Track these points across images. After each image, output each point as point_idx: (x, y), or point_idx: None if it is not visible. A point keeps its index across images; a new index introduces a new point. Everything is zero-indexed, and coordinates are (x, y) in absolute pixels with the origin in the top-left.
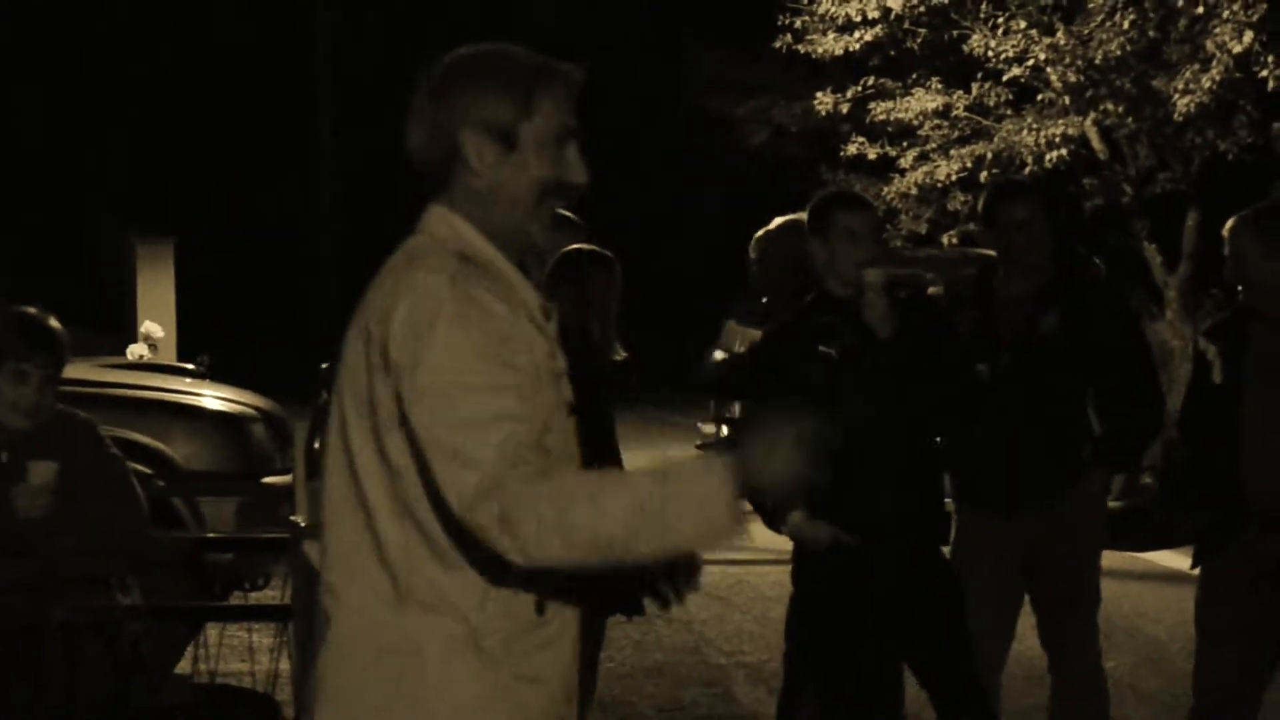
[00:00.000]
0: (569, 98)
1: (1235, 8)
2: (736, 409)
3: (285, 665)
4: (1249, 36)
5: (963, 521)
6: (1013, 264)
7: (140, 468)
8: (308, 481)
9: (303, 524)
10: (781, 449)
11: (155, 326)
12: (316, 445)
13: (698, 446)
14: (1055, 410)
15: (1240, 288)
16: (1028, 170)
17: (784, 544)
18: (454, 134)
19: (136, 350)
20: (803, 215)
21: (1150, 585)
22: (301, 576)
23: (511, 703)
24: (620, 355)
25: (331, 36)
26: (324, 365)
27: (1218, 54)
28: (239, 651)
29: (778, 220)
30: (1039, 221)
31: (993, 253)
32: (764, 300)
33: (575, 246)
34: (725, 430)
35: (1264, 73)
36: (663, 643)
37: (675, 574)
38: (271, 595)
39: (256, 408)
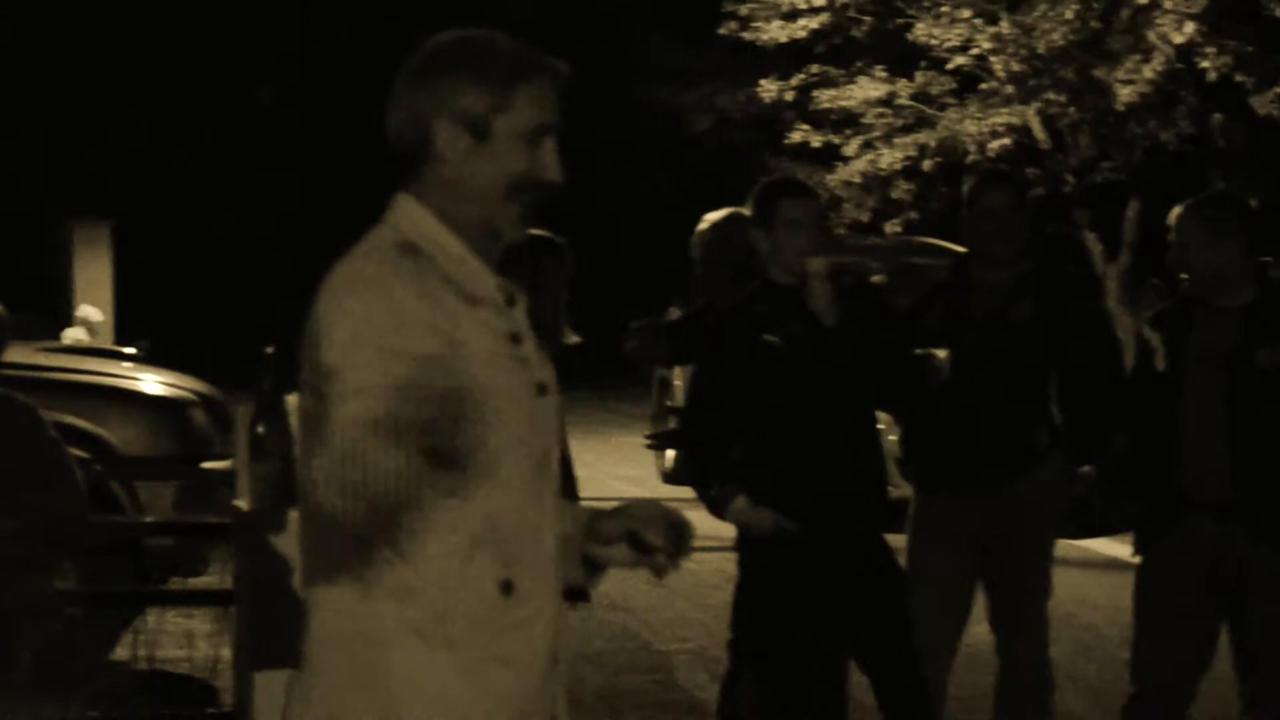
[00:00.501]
0: (551, 93)
1: None
2: (679, 395)
3: (225, 652)
4: (1190, 28)
5: (919, 504)
6: (987, 251)
7: (78, 452)
8: (251, 467)
9: (245, 509)
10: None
11: (93, 310)
12: (260, 429)
13: (647, 437)
14: (1015, 396)
15: (1184, 276)
16: (970, 159)
17: (727, 530)
18: (428, 121)
19: (73, 334)
20: (742, 208)
21: (1088, 573)
22: (245, 562)
23: (480, 685)
24: (572, 340)
25: (274, 17)
26: (268, 350)
27: (1159, 45)
28: (177, 638)
29: (715, 215)
30: (1014, 211)
31: (937, 241)
32: (705, 295)
33: (526, 233)
34: (672, 422)
35: (1204, 64)
36: (604, 629)
37: (658, 531)
38: (210, 581)
39: (196, 392)
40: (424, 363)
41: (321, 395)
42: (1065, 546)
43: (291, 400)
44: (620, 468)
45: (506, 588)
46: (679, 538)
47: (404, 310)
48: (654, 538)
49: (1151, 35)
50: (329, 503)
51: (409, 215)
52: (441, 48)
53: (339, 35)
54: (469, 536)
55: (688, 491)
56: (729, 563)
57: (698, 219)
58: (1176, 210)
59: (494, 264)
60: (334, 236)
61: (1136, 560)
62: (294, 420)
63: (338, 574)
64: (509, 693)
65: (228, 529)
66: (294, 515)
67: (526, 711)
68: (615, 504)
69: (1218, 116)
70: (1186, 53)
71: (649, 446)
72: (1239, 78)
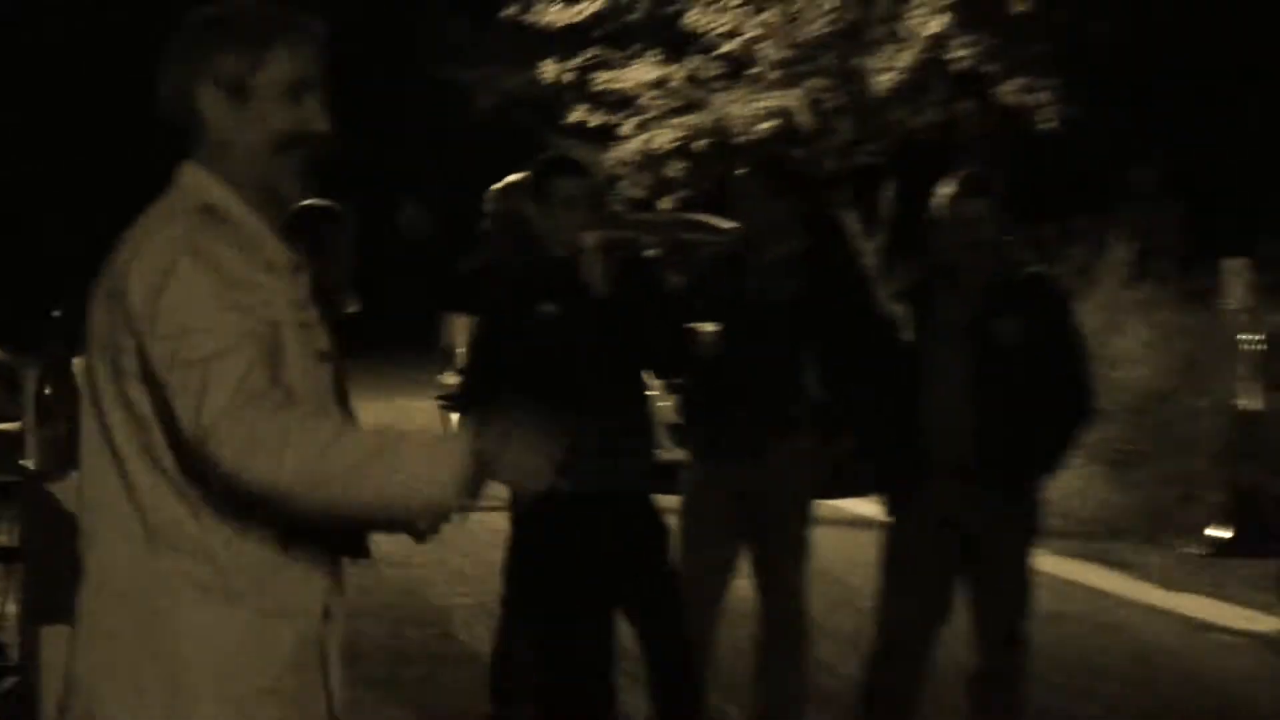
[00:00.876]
0: (308, 49)
1: None
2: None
3: (11, 608)
4: (942, 20)
5: (690, 469)
6: (751, 236)
7: None
8: (39, 428)
9: (32, 469)
10: (519, 445)
11: None
12: (48, 391)
13: (438, 399)
14: (776, 369)
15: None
16: (740, 140)
17: (502, 490)
18: (192, 89)
19: None
20: (522, 176)
21: (843, 531)
22: (31, 520)
23: (261, 637)
24: (353, 308)
25: None
26: (54, 313)
27: (913, 36)
28: None
29: (512, 178)
30: (773, 196)
31: (708, 218)
32: (490, 255)
33: (308, 201)
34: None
35: (955, 54)
36: (384, 584)
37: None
38: None
39: None
40: (256, 320)
41: (168, 357)
42: (825, 507)
43: (79, 363)
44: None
45: (285, 545)
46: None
47: (228, 268)
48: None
49: (906, 26)
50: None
51: (198, 181)
52: (195, 19)
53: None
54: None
55: (470, 485)
56: (504, 521)
57: (480, 198)
58: (935, 191)
59: (278, 229)
60: (115, 200)
61: (886, 519)
62: (80, 383)
63: (123, 528)
64: (285, 643)
65: (15, 488)
66: (76, 475)
67: (301, 661)
68: None
69: (965, 105)
70: (938, 44)
71: (443, 408)
72: (986, 68)
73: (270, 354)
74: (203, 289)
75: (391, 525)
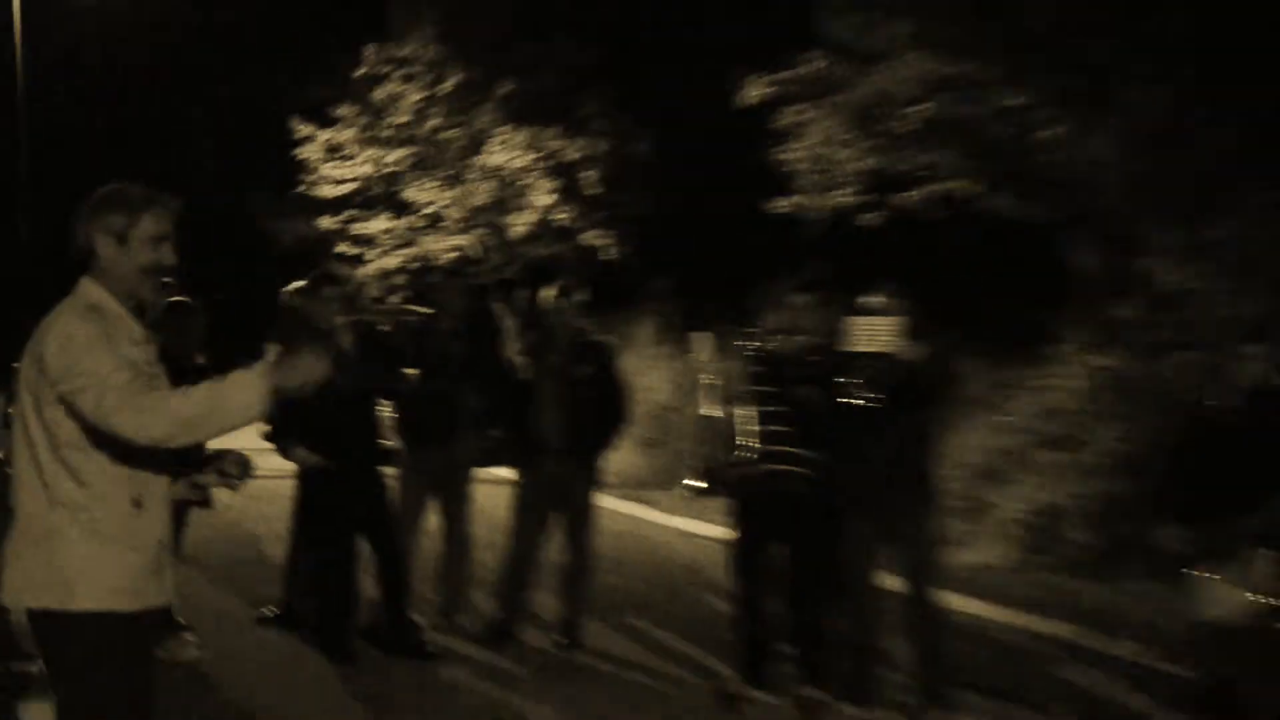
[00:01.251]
0: (167, 215)
1: (543, 179)
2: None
3: None
4: (550, 197)
5: (403, 454)
6: (444, 312)
7: None
8: (6, 433)
9: (2, 457)
10: (299, 361)
11: None
12: (10, 411)
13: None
14: (453, 393)
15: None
16: (436, 263)
17: (292, 467)
18: (92, 236)
19: None
20: (303, 282)
21: (494, 487)
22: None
23: (120, 564)
24: (202, 360)
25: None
26: (14, 365)
27: (534, 206)
28: None
29: (298, 283)
30: (457, 291)
31: (417, 307)
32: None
33: (173, 299)
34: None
35: (558, 216)
36: (218, 521)
37: (233, 466)
38: None
39: None
40: (127, 362)
41: (76, 381)
42: (483, 473)
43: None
44: (239, 439)
45: (137, 503)
46: (243, 469)
47: (101, 336)
48: (231, 469)
49: (529, 200)
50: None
51: (90, 289)
52: (98, 194)
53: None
54: (118, 473)
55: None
56: (292, 487)
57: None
58: (545, 291)
59: (142, 319)
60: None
61: (517, 480)
62: (14, 412)
63: (35, 494)
64: (137, 567)
65: None
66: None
67: (148, 573)
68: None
69: (563, 244)
70: (549, 210)
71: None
72: (576, 225)
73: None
74: (93, 345)
75: (225, 477)
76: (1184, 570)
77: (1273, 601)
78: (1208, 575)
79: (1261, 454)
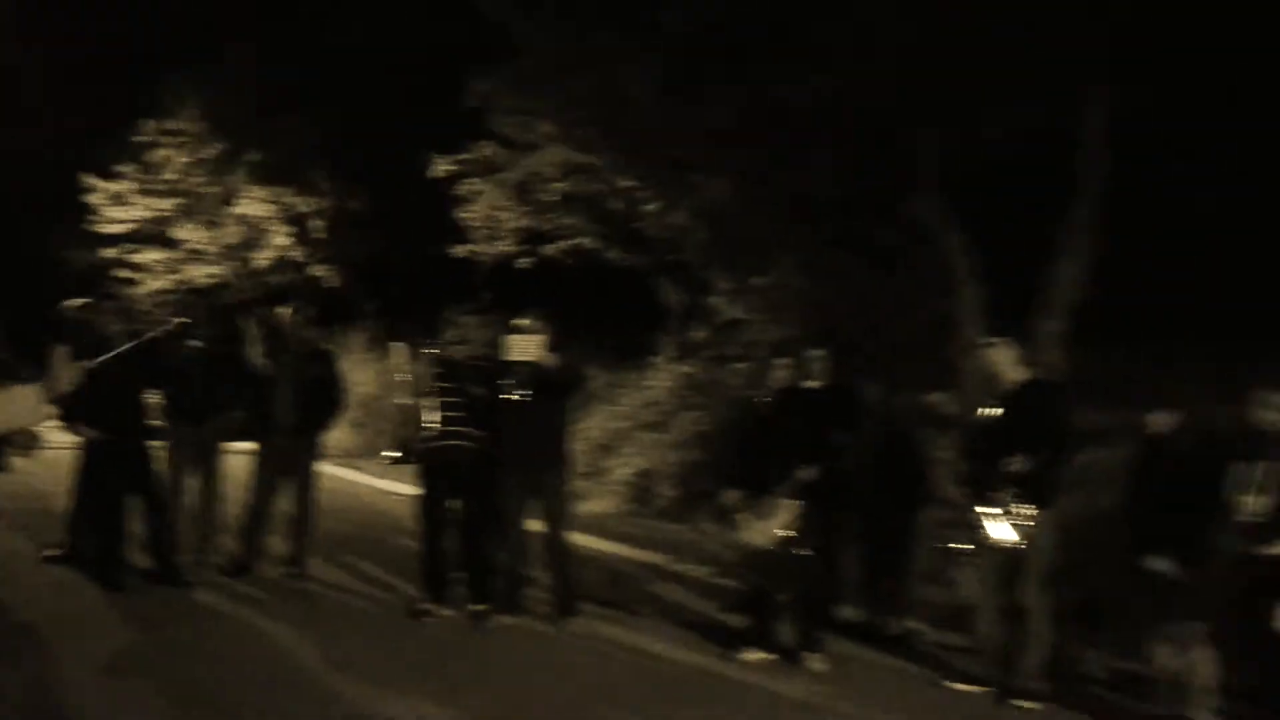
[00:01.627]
0: None
1: (281, 225)
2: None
3: None
4: (285, 241)
5: (168, 431)
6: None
7: None
8: None
9: None
10: (66, 373)
11: None
12: None
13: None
14: (205, 384)
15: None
16: (199, 286)
17: (78, 440)
18: None
19: None
20: (89, 299)
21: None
22: None
23: None
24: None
25: None
26: None
27: (272, 245)
28: None
29: (76, 300)
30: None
31: (180, 319)
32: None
33: None
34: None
35: (294, 254)
36: (14, 483)
37: (20, 443)
38: None
39: None
40: None
41: None
42: (234, 446)
43: None
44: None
45: None
46: (31, 442)
47: None
48: (22, 440)
49: (268, 241)
50: None
51: None
52: None
53: None
54: None
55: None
56: (78, 457)
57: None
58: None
59: None
60: None
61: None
62: None
63: None
64: None
65: None
66: None
67: None
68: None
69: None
70: (284, 250)
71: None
72: (308, 259)
73: None
74: None
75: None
76: (736, 514)
77: (791, 534)
78: (751, 516)
79: (787, 435)
